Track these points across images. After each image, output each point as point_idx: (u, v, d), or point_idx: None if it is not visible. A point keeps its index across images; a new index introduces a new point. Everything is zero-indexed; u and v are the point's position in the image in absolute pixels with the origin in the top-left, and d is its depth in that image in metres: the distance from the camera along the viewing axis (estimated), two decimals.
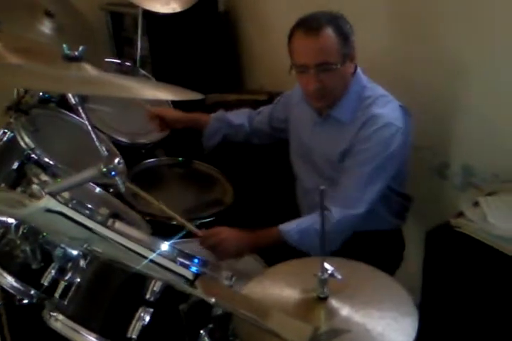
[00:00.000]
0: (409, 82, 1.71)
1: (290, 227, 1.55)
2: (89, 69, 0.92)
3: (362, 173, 1.54)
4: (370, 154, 1.54)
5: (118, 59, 2.80)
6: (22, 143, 1.55)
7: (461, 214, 1.51)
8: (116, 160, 0.93)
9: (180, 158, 2.13)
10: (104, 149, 0.95)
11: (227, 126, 2.00)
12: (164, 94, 1.00)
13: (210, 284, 0.83)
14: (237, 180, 2.07)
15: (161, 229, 1.78)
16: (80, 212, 0.77)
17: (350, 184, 1.56)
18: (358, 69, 1.63)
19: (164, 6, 2.20)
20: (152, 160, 2.11)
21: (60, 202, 0.74)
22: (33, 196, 0.83)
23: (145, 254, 0.77)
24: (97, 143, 0.95)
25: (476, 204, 1.51)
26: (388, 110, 1.57)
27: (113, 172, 0.93)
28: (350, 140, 1.58)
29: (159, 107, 2.02)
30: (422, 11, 1.85)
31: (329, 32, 1.50)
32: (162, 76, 2.47)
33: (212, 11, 2.79)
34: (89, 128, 0.96)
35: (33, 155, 1.53)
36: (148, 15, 2.35)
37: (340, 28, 1.52)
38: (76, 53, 0.93)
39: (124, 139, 2.02)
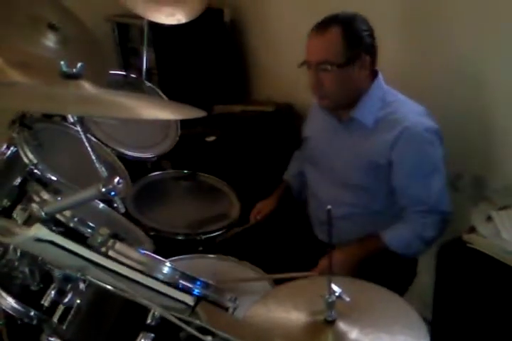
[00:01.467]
0: (420, 92, 1.68)
1: (394, 237, 1.58)
2: (88, 88, 0.89)
3: (436, 181, 1.57)
4: (428, 165, 1.57)
5: (124, 70, 2.80)
6: (25, 158, 1.53)
7: (473, 229, 1.47)
8: (116, 180, 0.90)
9: (185, 171, 2.11)
10: (103, 169, 0.92)
11: (302, 175, 1.95)
12: (165, 113, 0.97)
13: (212, 311, 0.79)
14: (244, 193, 2.04)
15: (166, 244, 1.76)
16: (73, 239, 0.73)
17: (432, 192, 1.58)
18: (380, 75, 1.63)
19: (169, 17, 2.18)
20: (157, 173, 2.09)
21: (52, 231, 0.71)
22: (27, 220, 0.80)
23: (144, 282, 0.74)
24: (96, 164, 0.92)
25: (489, 218, 1.47)
26: (420, 114, 1.58)
27: (112, 193, 0.91)
28: (383, 150, 1.56)
29: None
30: (438, 21, 1.83)
31: (336, 32, 1.51)
32: (168, 87, 2.46)
33: (218, 21, 2.77)
34: (88, 147, 0.93)
35: (35, 171, 1.51)
36: (154, 26, 2.34)
37: (350, 29, 1.52)
38: (74, 70, 0.90)
39: (129, 152, 1.99)
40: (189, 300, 0.80)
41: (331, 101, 1.60)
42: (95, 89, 0.91)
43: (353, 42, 1.52)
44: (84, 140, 0.95)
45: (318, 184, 1.80)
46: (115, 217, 1.51)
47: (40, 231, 0.69)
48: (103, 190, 0.91)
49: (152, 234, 1.72)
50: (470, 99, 1.79)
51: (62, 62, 0.90)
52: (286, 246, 1.83)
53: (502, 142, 1.74)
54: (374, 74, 1.62)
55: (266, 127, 2.46)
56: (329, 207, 0.93)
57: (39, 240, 0.68)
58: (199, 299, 0.82)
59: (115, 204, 0.92)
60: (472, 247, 1.43)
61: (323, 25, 1.53)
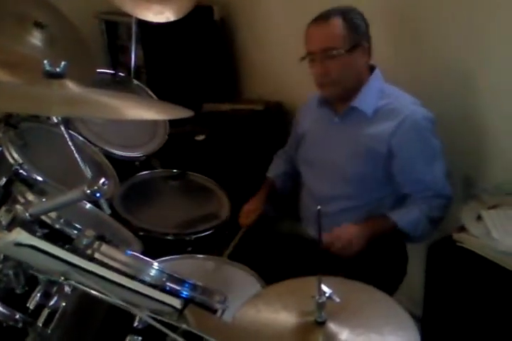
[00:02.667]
0: (409, 91, 1.68)
1: (403, 216, 1.60)
2: (72, 87, 0.87)
3: (437, 166, 1.62)
4: (429, 151, 1.61)
5: (113, 67, 2.78)
6: (10, 159, 1.50)
7: (463, 228, 1.47)
8: (101, 181, 0.88)
9: (174, 170, 2.09)
10: (88, 170, 0.90)
11: (286, 176, 1.96)
12: (151, 113, 0.95)
13: (199, 314, 0.78)
14: (234, 192, 2.02)
15: (155, 244, 1.74)
16: (57, 243, 0.72)
17: (436, 178, 1.62)
18: (377, 70, 1.67)
19: (158, 15, 2.16)
20: (146, 172, 2.07)
21: (33, 234, 0.69)
22: (12, 222, 0.78)
23: (130, 286, 0.72)
24: (81, 164, 0.90)
25: (479, 218, 1.47)
26: (417, 104, 1.62)
27: (98, 194, 0.89)
28: (384, 139, 1.59)
29: None
30: (427, 19, 1.82)
31: (337, 21, 1.56)
32: (157, 85, 2.44)
33: (208, 19, 2.75)
34: (72, 147, 0.91)
35: (21, 171, 1.49)
36: (143, 23, 2.31)
37: (350, 18, 1.57)
38: (58, 69, 0.88)
39: (117, 152, 1.97)
40: (177, 303, 0.78)
41: (336, 88, 1.62)
42: (80, 89, 0.89)
43: (354, 30, 1.57)
44: (68, 140, 0.93)
45: (315, 182, 1.80)
46: (102, 217, 1.49)
47: (20, 235, 0.67)
48: (88, 191, 0.89)
49: (141, 234, 1.71)
50: (459, 98, 1.78)
51: (45, 61, 0.88)
52: (275, 245, 1.82)
53: (491, 141, 1.74)
54: (371, 68, 1.66)
55: (256, 126, 2.45)
56: (319, 207, 0.92)
57: (20, 245, 0.66)
58: (187, 302, 0.80)
59: (102, 205, 0.89)
60: (462, 246, 1.42)
61: (324, 17, 1.58)
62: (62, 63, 0.89)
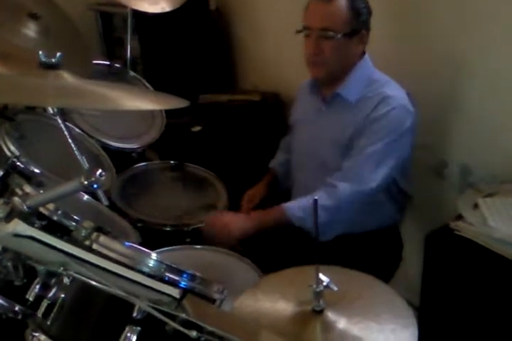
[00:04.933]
0: (405, 79, 1.68)
1: (293, 204, 1.57)
2: (67, 78, 0.87)
3: (374, 151, 1.54)
4: (383, 133, 1.54)
5: (109, 59, 2.76)
6: (6, 151, 1.50)
7: (460, 217, 1.47)
8: (98, 172, 0.88)
9: (172, 162, 2.09)
10: (85, 161, 0.90)
11: (288, 164, 1.94)
12: (147, 104, 0.95)
13: (198, 304, 0.79)
14: (231, 183, 2.03)
15: (153, 235, 1.74)
16: (55, 234, 0.72)
17: (362, 161, 1.55)
18: (367, 55, 1.65)
19: (153, 6, 2.15)
20: (143, 164, 2.07)
21: (31, 225, 0.69)
22: (10, 214, 0.78)
23: (128, 276, 0.72)
24: (78, 155, 0.90)
25: (476, 206, 1.47)
26: (400, 94, 1.59)
27: (95, 185, 0.89)
28: (360, 122, 1.57)
29: None
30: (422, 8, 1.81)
31: (342, 2, 1.54)
32: (153, 76, 2.43)
33: (204, 9, 2.74)
34: (69, 139, 0.91)
35: (18, 163, 1.49)
36: (138, 14, 2.29)
37: (355, 3, 1.55)
38: (53, 60, 0.88)
39: (113, 143, 1.97)
40: (175, 292, 0.78)
41: (325, 69, 1.61)
42: (75, 80, 0.89)
43: (356, 15, 1.55)
44: (65, 131, 0.93)
45: (298, 171, 1.80)
46: (100, 209, 1.49)
47: (18, 226, 0.67)
48: (85, 182, 0.89)
49: (139, 225, 1.71)
50: (455, 87, 1.78)
51: (40, 52, 0.88)
52: (270, 234, 1.83)
53: (487, 129, 1.74)
54: (361, 54, 1.65)
55: (252, 117, 2.44)
56: (316, 197, 0.92)
57: (18, 236, 0.67)
58: (185, 292, 0.81)
59: (99, 196, 0.89)
60: (459, 234, 1.43)
61: None
62: (58, 54, 0.89)
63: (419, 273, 1.60)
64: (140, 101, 0.91)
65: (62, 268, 0.76)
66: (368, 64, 1.65)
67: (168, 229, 1.77)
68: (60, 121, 0.96)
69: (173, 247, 1.57)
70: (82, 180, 0.89)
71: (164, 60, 2.66)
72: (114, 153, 1.92)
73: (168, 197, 1.94)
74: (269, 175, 1.97)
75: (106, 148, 1.91)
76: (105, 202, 0.99)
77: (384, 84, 1.61)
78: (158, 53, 2.66)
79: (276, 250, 1.72)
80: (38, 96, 0.80)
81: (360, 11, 1.56)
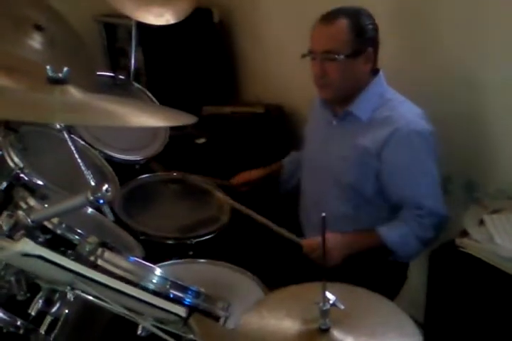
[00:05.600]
0: (412, 94, 1.67)
1: (391, 232, 1.57)
2: (74, 93, 0.86)
3: (426, 183, 1.58)
4: (423, 167, 1.57)
5: (112, 70, 2.77)
6: (10, 162, 1.49)
7: (465, 233, 1.46)
8: (105, 188, 0.87)
9: (175, 173, 2.08)
10: (91, 176, 0.89)
11: (295, 165, 1.97)
12: (155, 120, 0.94)
13: (203, 322, 0.77)
14: (234, 195, 2.01)
15: (156, 248, 1.73)
16: (62, 251, 0.71)
17: (427, 195, 1.58)
18: (381, 72, 1.64)
19: (158, 18, 2.16)
20: (146, 175, 2.06)
21: (39, 245, 0.68)
22: (13, 228, 0.77)
23: (135, 294, 0.71)
24: (85, 171, 0.89)
25: (481, 222, 1.46)
26: (417, 115, 1.58)
27: (101, 201, 0.88)
28: (373, 144, 1.56)
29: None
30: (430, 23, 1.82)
31: (343, 23, 1.52)
32: (157, 88, 2.43)
33: (207, 21, 2.74)
34: (76, 155, 0.90)
35: (21, 175, 1.48)
36: (142, 26, 2.30)
37: (357, 22, 1.54)
38: (60, 75, 0.87)
39: (117, 155, 1.96)
40: (181, 311, 0.77)
41: (332, 91, 1.61)
42: (82, 95, 0.88)
43: (359, 34, 1.54)
44: (71, 146, 0.92)
45: (308, 183, 1.80)
46: (103, 222, 1.48)
47: (27, 245, 0.66)
48: (91, 197, 0.88)
49: (142, 238, 1.69)
50: (461, 102, 1.78)
51: (48, 67, 0.87)
52: (275, 248, 1.81)
53: (493, 145, 1.74)
54: (375, 72, 1.63)
55: (256, 129, 2.44)
56: (324, 214, 0.91)
57: (27, 255, 0.65)
58: (192, 310, 0.79)
59: (105, 211, 0.88)
60: (464, 251, 1.42)
61: (331, 17, 1.55)
62: (65, 69, 0.88)
63: (423, 289, 1.58)
64: (148, 118, 0.90)
65: (68, 288, 0.75)
66: (381, 82, 1.63)
67: (170, 242, 1.76)
68: (67, 136, 0.95)
69: (176, 261, 1.56)
70: (89, 195, 0.88)
71: (168, 72, 2.66)
72: (117, 165, 1.92)
73: (170, 209, 1.93)
74: (274, 166, 1.99)
75: (109, 159, 1.90)
76: (111, 218, 0.98)
77: (397, 105, 1.59)
78: (161, 65, 2.66)
79: (280, 265, 1.70)
80: (44, 113, 0.79)
81: (364, 29, 1.55)
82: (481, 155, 1.77)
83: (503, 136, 1.70)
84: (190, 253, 1.75)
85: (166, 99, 2.28)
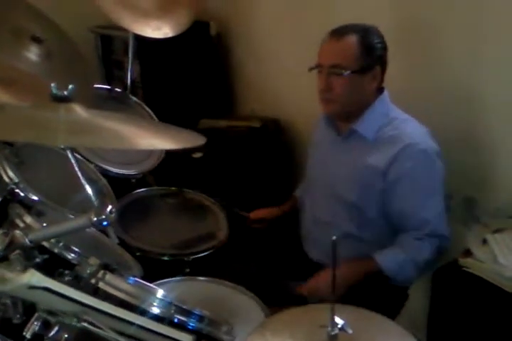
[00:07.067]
0: (410, 112, 1.67)
1: (387, 259, 1.54)
2: (79, 112, 0.83)
3: (430, 202, 1.55)
4: (426, 186, 1.55)
5: (107, 82, 2.74)
6: (5, 177, 1.46)
7: (468, 252, 1.45)
8: (109, 209, 0.85)
9: (172, 188, 2.05)
10: (95, 198, 0.86)
11: None
12: (164, 142, 0.90)
13: None
14: (232, 210, 1.99)
15: (152, 264, 1.69)
16: (71, 284, 0.68)
17: (430, 215, 1.55)
18: (385, 92, 1.63)
19: (156, 31, 2.14)
20: (142, 190, 2.03)
21: (46, 276, 0.65)
22: (9, 246, 0.74)
23: (143, 324, 0.68)
24: (88, 191, 0.86)
25: (484, 241, 1.45)
26: (423, 134, 1.57)
27: (105, 223, 0.85)
28: (382, 165, 1.54)
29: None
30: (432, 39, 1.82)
31: (352, 39, 1.52)
32: (153, 101, 2.41)
33: (204, 34, 2.73)
34: (79, 174, 0.88)
35: (17, 190, 1.45)
36: (139, 38, 2.28)
37: (366, 38, 1.54)
38: (65, 93, 0.84)
39: (113, 169, 1.93)
40: (188, 339, 0.74)
41: (337, 106, 1.59)
42: (88, 114, 0.85)
43: (368, 51, 1.53)
44: (75, 166, 0.90)
45: (312, 202, 1.78)
46: (101, 239, 1.45)
47: (34, 277, 0.63)
48: (95, 219, 0.85)
49: (138, 254, 1.66)
50: (460, 120, 1.77)
51: (52, 85, 0.85)
52: (273, 265, 1.79)
53: (492, 163, 1.73)
54: (380, 90, 1.62)
55: (253, 143, 2.42)
56: (334, 237, 0.89)
57: (33, 287, 0.62)
58: (199, 338, 0.77)
59: (109, 234, 0.85)
60: (468, 271, 1.40)
61: (340, 32, 1.54)
62: (70, 86, 0.85)
63: (424, 308, 1.56)
64: (157, 140, 0.87)
65: (75, 320, 0.72)
66: (386, 100, 1.62)
67: (167, 258, 1.73)
68: (70, 156, 0.92)
69: (174, 278, 1.52)
70: (92, 216, 0.85)
71: (164, 84, 2.64)
72: (112, 179, 1.89)
73: (167, 224, 1.90)
74: (289, 202, 1.97)
75: (105, 173, 1.87)
76: (115, 240, 0.95)
77: (402, 124, 1.58)
78: (158, 77, 2.64)
79: (278, 282, 1.68)
80: (48, 134, 0.75)
81: (373, 46, 1.54)
82: (479, 174, 1.76)
83: (503, 153, 1.69)
84: (187, 270, 1.72)
85: (162, 112, 2.26)
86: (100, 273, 0.91)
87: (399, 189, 1.54)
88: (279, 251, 1.86)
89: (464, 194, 1.79)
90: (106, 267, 0.92)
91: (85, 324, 0.73)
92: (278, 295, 1.63)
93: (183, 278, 1.52)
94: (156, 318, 0.83)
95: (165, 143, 0.91)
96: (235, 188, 2.25)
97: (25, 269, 0.70)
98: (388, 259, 1.54)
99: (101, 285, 0.89)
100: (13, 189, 1.45)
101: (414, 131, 1.56)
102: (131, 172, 2.00)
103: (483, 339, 1.40)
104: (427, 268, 1.56)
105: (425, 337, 1.54)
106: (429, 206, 1.55)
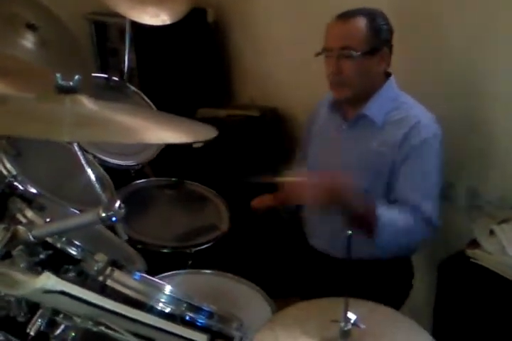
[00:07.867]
0: (414, 96, 1.64)
1: (386, 215, 1.45)
2: (86, 103, 0.80)
3: (425, 185, 1.52)
4: (427, 167, 1.52)
5: (102, 71, 2.69)
6: (3, 170, 1.43)
7: (474, 243, 1.44)
8: (117, 205, 0.82)
9: (173, 179, 2.02)
10: (102, 193, 0.83)
11: None
12: (175, 136, 0.86)
13: None
14: (231, 199, 1.96)
15: (154, 257, 1.67)
16: (87, 287, 0.65)
17: (422, 199, 1.51)
18: (392, 77, 1.61)
19: (153, 18, 2.09)
20: (142, 181, 1.99)
21: (63, 279, 0.62)
22: (10, 241, 0.71)
23: (156, 324, 0.66)
24: (98, 191, 0.83)
25: (491, 232, 1.44)
26: (430, 119, 1.56)
27: (114, 218, 0.82)
28: (391, 148, 1.52)
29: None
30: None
31: (360, 21, 1.51)
32: (150, 89, 2.37)
33: (202, 21, 2.69)
34: (88, 169, 0.84)
35: (15, 183, 1.42)
36: (135, 25, 2.23)
37: (374, 21, 1.52)
38: (71, 83, 0.81)
39: (112, 160, 1.89)
40: (203, 339, 0.72)
41: (347, 90, 1.56)
42: (94, 106, 0.81)
43: (376, 33, 1.52)
44: (82, 160, 0.86)
45: None
46: (102, 232, 1.42)
47: (49, 281, 0.60)
48: (103, 215, 0.82)
49: (139, 247, 1.64)
50: (463, 109, 1.75)
51: (57, 75, 0.81)
52: (276, 256, 1.77)
53: (494, 152, 1.71)
54: (387, 75, 1.61)
55: (252, 132, 2.39)
56: (350, 232, 0.87)
57: (49, 291, 0.59)
58: (213, 337, 0.74)
59: (118, 230, 0.83)
60: (475, 262, 1.39)
61: (349, 15, 1.53)
62: (76, 76, 0.81)
63: (429, 299, 1.55)
64: (165, 133, 0.83)
65: (91, 323, 0.69)
66: (394, 85, 1.61)
67: (169, 251, 1.70)
68: (77, 150, 0.88)
69: (178, 271, 1.50)
70: (100, 212, 0.82)
71: (161, 72, 2.60)
72: (111, 169, 1.85)
73: (168, 216, 1.88)
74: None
75: (103, 164, 1.84)
76: (124, 237, 0.92)
77: (410, 108, 1.57)
78: (154, 65, 2.59)
79: (281, 273, 1.66)
80: (54, 129, 0.71)
81: (380, 28, 1.53)
82: (482, 163, 1.74)
83: (506, 143, 1.68)
84: (190, 262, 1.70)
85: (159, 101, 2.22)
86: (108, 270, 0.88)
87: (401, 170, 1.53)
88: (282, 242, 1.83)
89: (466, 183, 1.78)
90: (114, 264, 0.90)
91: (102, 327, 0.70)
92: (282, 287, 1.61)
93: (186, 271, 1.50)
94: (169, 317, 0.81)
95: (176, 136, 0.87)
96: (234, 177, 2.23)
97: (36, 271, 0.67)
98: (385, 216, 1.45)
99: (109, 282, 0.86)
100: (11, 182, 1.42)
101: (422, 115, 1.55)
102: (130, 163, 1.96)
103: (490, 332, 1.39)
104: (404, 249, 1.56)
105: (431, 328, 1.53)
106: (423, 187, 1.52)
